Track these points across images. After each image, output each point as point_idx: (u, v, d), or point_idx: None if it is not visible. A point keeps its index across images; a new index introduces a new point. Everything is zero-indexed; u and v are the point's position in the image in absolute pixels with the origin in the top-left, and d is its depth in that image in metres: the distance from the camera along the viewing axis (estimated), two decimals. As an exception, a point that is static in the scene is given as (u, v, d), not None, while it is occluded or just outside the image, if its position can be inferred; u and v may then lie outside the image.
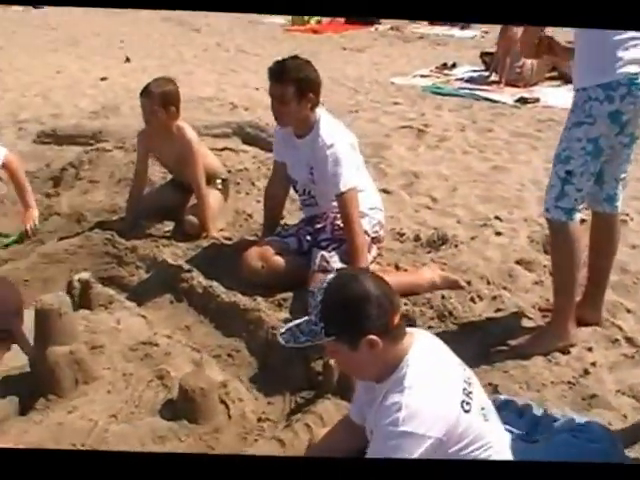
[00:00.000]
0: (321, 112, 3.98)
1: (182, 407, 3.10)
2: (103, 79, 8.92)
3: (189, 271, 4.21)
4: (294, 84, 3.81)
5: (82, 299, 4.01)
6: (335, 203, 3.93)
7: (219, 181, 5.02)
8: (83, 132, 6.77)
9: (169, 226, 4.87)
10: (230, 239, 4.63)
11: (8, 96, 8.48)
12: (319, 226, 4.11)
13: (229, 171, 5.55)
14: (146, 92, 4.59)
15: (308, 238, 4.11)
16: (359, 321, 2.09)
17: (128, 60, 10.44)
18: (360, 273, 2.22)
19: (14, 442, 2.90)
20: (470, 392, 2.10)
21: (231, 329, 3.79)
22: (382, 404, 2.08)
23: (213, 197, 4.85)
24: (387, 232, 4.55)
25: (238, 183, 5.41)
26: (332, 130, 3.92)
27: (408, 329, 2.24)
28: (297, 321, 2.27)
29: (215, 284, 4.04)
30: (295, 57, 3.97)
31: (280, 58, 3.97)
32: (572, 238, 3.29)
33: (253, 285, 4.02)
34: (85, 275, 4.04)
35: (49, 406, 3.23)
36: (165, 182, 5.24)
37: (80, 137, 6.73)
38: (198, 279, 4.11)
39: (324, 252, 3.91)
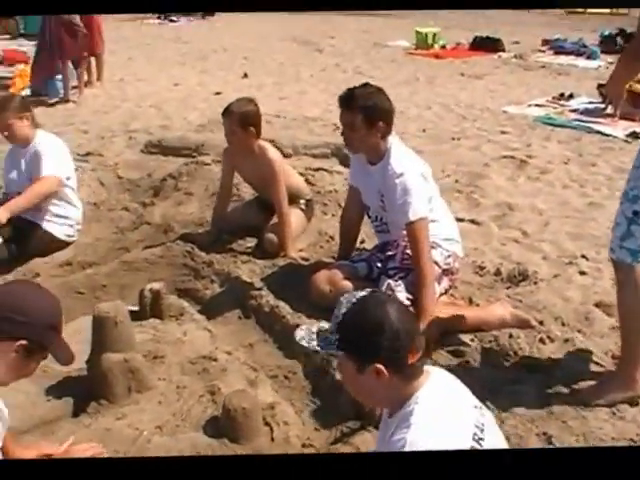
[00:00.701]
0: (393, 141, 3.94)
1: (224, 425, 3.11)
2: (217, 94, 9.12)
3: (259, 289, 4.25)
4: (362, 112, 3.79)
5: (153, 309, 4.09)
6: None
7: (303, 201, 5.03)
8: (187, 144, 6.94)
9: (252, 242, 4.92)
10: (307, 260, 4.63)
11: (125, 105, 8.81)
12: (389, 254, 4.06)
13: (318, 192, 5.57)
14: (227, 112, 4.66)
15: (378, 265, 4.07)
16: (370, 346, 2.03)
17: (246, 76, 10.65)
18: (391, 302, 2.15)
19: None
20: (481, 439, 2.00)
21: (292, 351, 3.78)
22: (390, 439, 2.02)
23: (295, 217, 4.87)
24: (468, 264, 4.46)
25: (325, 204, 5.42)
26: (403, 159, 3.87)
27: (426, 367, 2.17)
28: (320, 324, 2.24)
29: (282, 304, 4.05)
30: (366, 85, 3.95)
31: (352, 86, 3.97)
32: (638, 281, 3.12)
33: (320, 308, 4.00)
34: (157, 285, 4.12)
35: (100, 411, 3.31)
36: (251, 199, 5.30)
37: (184, 149, 6.90)
38: (267, 298, 4.13)
39: (391, 281, 3.86)
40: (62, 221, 5.06)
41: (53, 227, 5.00)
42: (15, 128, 4.84)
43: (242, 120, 4.63)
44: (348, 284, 3.99)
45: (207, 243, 4.84)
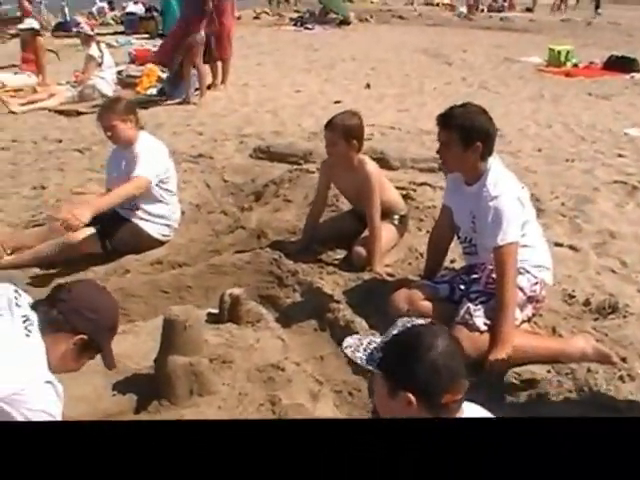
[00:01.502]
0: (493, 162, 3.82)
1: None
2: (336, 102, 9.15)
3: (338, 302, 4.21)
4: (459, 131, 3.71)
5: (231, 313, 4.12)
6: (494, 255, 3.76)
7: (397, 217, 4.97)
8: (294, 151, 6.99)
9: (341, 254, 4.90)
10: (393, 276, 4.57)
11: (243, 110, 8.97)
12: (474, 277, 3.94)
13: (417, 207, 5.50)
14: (330, 124, 4.67)
15: (461, 287, 3.96)
16: (407, 374, 2.00)
17: (368, 86, 10.65)
18: (445, 337, 2.07)
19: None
20: None
21: (361, 367, 3.73)
22: None
23: (386, 231, 4.82)
24: (557, 292, 4.28)
25: (421, 220, 5.33)
26: (499, 182, 3.75)
27: (465, 403, 2.09)
28: (372, 337, 2.23)
29: (359, 320, 4.01)
30: (467, 105, 3.86)
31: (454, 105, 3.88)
32: None
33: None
34: (237, 291, 4.14)
35: (160, 410, 3.36)
36: (345, 211, 5.29)
37: (291, 156, 6.95)
38: (344, 312, 4.09)
39: (471, 304, 3.75)
40: (158, 220, 5.18)
41: (149, 226, 5.13)
42: (118, 130, 4.99)
43: (345, 133, 4.65)
44: (427, 305, 3.92)
45: (296, 252, 4.85)
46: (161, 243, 5.20)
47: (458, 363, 2.04)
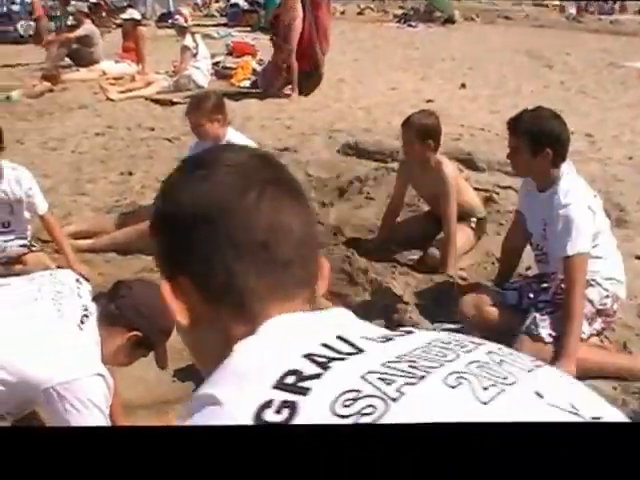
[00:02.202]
0: (567, 169, 3.69)
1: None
2: (428, 101, 9.03)
3: (407, 303, 4.16)
4: (528, 137, 3.59)
5: (299, 308, 4.11)
6: (566, 265, 3.64)
7: (474, 219, 4.87)
8: (382, 149, 6.93)
9: (416, 255, 4.84)
10: (465, 280, 4.48)
11: (336, 105, 8.95)
12: (544, 286, 3.82)
13: (498, 210, 5.38)
14: (407, 123, 4.62)
15: (530, 295, 3.84)
16: None
17: (463, 86, 10.49)
18: None
19: (165, 422, 3.08)
20: None
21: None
22: None
23: (462, 234, 4.73)
24: (633, 307, 4.12)
25: (501, 224, 5.20)
26: (571, 190, 3.61)
27: None
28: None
29: (426, 322, 3.94)
30: (538, 109, 3.73)
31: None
32: None
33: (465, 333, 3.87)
34: (303, 286, 4.13)
35: (217, 401, 3.37)
36: (422, 212, 5.21)
37: (378, 153, 6.89)
38: (411, 313, 4.03)
39: (537, 314, 3.64)
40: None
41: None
42: (205, 128, 5.01)
43: (421, 132, 4.58)
44: (493, 311, 3.83)
45: (370, 250, 4.82)
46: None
47: None
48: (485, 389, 0.84)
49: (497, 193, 5.74)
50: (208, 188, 0.98)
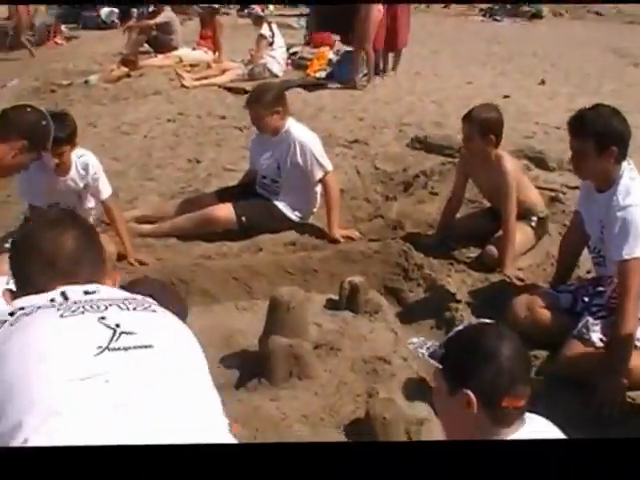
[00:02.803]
0: (626, 168, 3.56)
1: (363, 431, 3.04)
2: (505, 97, 8.86)
3: (459, 301, 4.09)
4: (593, 138, 3.46)
5: (349, 301, 4.08)
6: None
7: (534, 218, 4.75)
8: (451, 144, 6.82)
9: (475, 253, 4.75)
10: (523, 281, 4.38)
11: (408, 98, 8.86)
12: (600, 289, 3.71)
13: (563, 211, 5.25)
14: (468, 117, 4.55)
15: (585, 299, 3.74)
16: (468, 371, 1.91)
17: (543, 83, 10.25)
18: (510, 339, 1.95)
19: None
20: None
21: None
22: None
23: (521, 233, 4.62)
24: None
25: (565, 225, 5.06)
26: (632, 191, 3.48)
27: (528, 415, 1.96)
28: (432, 342, 2.15)
29: (475, 321, 3.85)
30: (598, 107, 3.59)
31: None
32: None
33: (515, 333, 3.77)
34: (357, 279, 4.09)
35: (257, 388, 3.38)
36: (482, 209, 5.12)
37: (446, 148, 6.79)
38: (463, 312, 3.97)
39: (590, 318, 3.53)
40: (296, 203, 5.21)
41: (286, 207, 5.16)
42: (265, 122, 5.02)
43: (482, 126, 4.50)
44: (546, 313, 3.75)
45: (428, 246, 4.76)
46: (297, 225, 5.20)
47: (523, 367, 1.96)
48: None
49: (564, 193, 5.60)
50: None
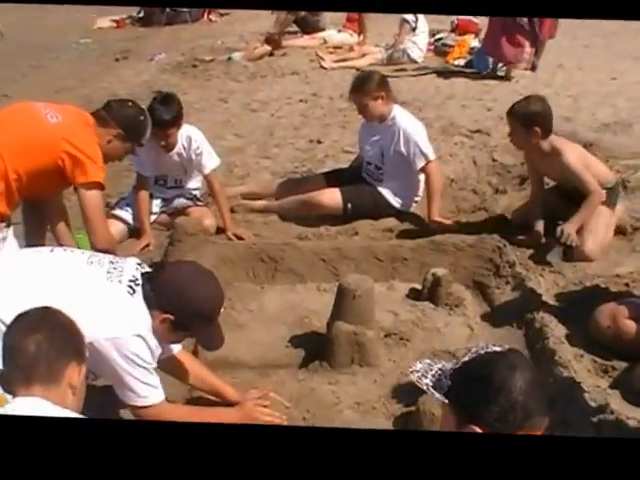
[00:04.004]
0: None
1: (411, 425, 3.02)
2: (649, 95, 8.43)
3: (544, 303, 3.94)
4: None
5: (431, 293, 4.04)
6: None
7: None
8: (576, 140, 6.54)
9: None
10: (627, 285, 4.18)
11: (544, 91, 8.46)
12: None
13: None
14: (510, 111, 4.62)
15: (675, 313, 3.54)
16: (477, 408, 1.81)
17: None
18: (524, 369, 1.84)
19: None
20: None
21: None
22: None
23: (601, 220, 4.57)
24: None
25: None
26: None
27: None
28: (444, 364, 2.02)
29: (555, 326, 3.71)
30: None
31: None
32: None
33: (593, 343, 3.63)
34: (440, 271, 4.05)
35: (318, 371, 3.43)
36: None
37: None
38: (543, 314, 3.80)
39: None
40: (401, 191, 5.19)
41: (390, 194, 5.15)
42: (369, 108, 5.01)
43: (525, 119, 4.47)
44: (630, 324, 3.58)
45: (528, 244, 4.65)
46: (398, 212, 5.17)
47: (536, 399, 1.82)
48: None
49: None
50: None
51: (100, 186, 3.72)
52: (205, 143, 4.90)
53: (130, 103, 4.05)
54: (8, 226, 3.67)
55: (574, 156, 4.50)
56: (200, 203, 5.16)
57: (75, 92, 8.85)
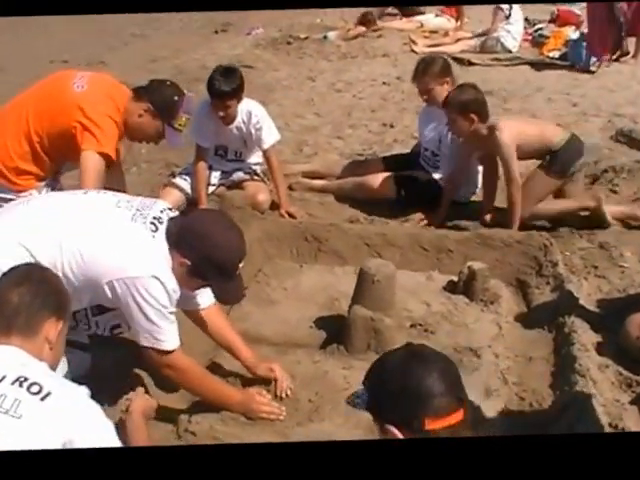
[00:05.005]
0: None
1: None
2: None
3: (581, 307, 3.85)
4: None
5: (466, 287, 4.00)
6: None
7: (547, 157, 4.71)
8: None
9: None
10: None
11: (636, 88, 8.23)
12: None
13: None
14: (445, 103, 4.67)
15: None
16: (382, 406, 1.84)
17: None
18: (421, 359, 1.85)
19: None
20: None
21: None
22: None
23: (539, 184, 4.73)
24: None
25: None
26: None
27: None
28: None
29: (585, 332, 3.60)
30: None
31: None
32: None
33: (626, 354, 3.53)
34: (477, 265, 4.00)
35: (334, 354, 3.47)
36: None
37: (649, 145, 6.34)
38: (573, 319, 3.68)
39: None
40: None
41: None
42: (435, 93, 4.98)
43: (460, 108, 4.56)
44: (662, 335, 3.45)
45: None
46: (454, 203, 5.10)
47: (437, 384, 1.78)
48: None
49: None
50: None
51: (105, 156, 3.80)
52: (266, 118, 4.96)
53: (169, 83, 4.15)
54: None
55: (507, 136, 4.56)
56: (257, 178, 5.23)
57: (168, 62, 9.10)
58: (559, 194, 4.85)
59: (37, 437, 1.85)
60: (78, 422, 1.93)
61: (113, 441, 2.01)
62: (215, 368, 3.29)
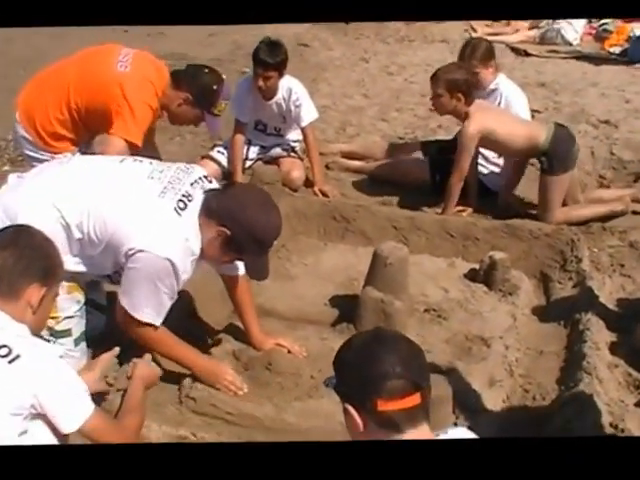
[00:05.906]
0: None
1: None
2: None
3: (601, 305, 3.81)
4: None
5: (486, 276, 3.99)
6: None
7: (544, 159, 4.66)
8: None
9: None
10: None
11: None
12: None
13: None
14: (433, 76, 4.66)
15: None
16: (342, 386, 1.87)
17: None
18: (377, 341, 1.84)
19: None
20: None
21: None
22: None
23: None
24: None
25: None
26: None
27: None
28: None
29: (598, 330, 3.57)
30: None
31: None
32: None
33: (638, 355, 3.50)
34: (498, 255, 3.98)
35: (343, 333, 3.49)
36: None
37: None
38: (587, 317, 3.63)
39: None
40: (491, 166, 5.14)
41: (480, 168, 5.10)
42: (480, 76, 4.94)
43: (449, 84, 4.55)
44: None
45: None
46: (487, 190, 5.08)
47: (392, 367, 1.76)
48: None
49: None
50: None
51: (131, 144, 3.79)
52: (305, 96, 5.00)
53: (207, 70, 4.13)
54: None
55: (473, 127, 4.56)
56: (294, 155, 5.27)
57: (226, 37, 9.17)
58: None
59: (4, 398, 1.97)
60: (43, 381, 2.03)
61: (77, 399, 2.12)
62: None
